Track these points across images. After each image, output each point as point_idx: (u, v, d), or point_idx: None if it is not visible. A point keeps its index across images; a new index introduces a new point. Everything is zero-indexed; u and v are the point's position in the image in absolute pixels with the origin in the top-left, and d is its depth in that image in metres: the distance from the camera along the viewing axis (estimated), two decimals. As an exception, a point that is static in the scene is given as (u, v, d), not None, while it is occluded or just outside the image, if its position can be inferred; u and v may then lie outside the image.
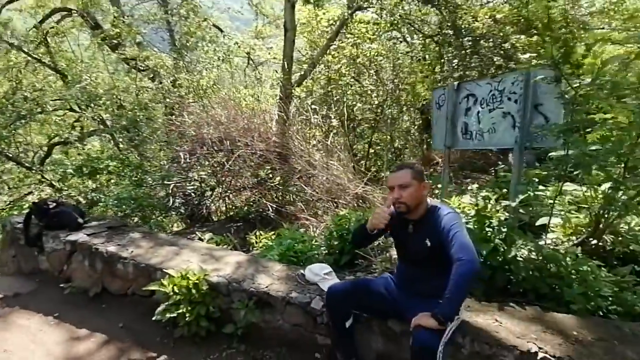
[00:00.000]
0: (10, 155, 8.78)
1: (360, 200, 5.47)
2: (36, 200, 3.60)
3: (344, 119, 7.53)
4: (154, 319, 2.54)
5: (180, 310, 2.50)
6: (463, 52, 5.95)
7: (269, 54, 8.26)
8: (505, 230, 2.59)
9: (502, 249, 2.47)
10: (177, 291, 2.57)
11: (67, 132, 8.80)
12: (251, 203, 5.28)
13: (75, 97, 6.79)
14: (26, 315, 2.93)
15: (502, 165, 5.97)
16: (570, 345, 1.85)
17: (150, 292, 2.73)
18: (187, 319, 2.50)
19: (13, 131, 9.02)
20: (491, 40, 6.53)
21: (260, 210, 5.15)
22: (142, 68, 7.63)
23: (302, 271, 2.77)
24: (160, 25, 7.80)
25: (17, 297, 3.22)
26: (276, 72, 7.14)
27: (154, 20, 7.34)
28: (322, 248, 3.54)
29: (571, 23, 6.29)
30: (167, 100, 6.33)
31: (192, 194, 5.15)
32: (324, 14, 8.07)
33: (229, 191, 5.39)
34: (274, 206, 4.99)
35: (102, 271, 3.05)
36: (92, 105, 6.84)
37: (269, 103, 6.60)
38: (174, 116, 5.65)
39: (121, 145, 6.97)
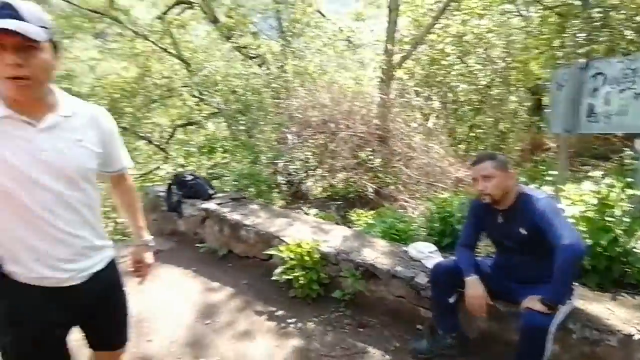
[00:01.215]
0: (142, 135, 10.30)
1: (461, 184, 5.36)
2: (177, 173, 4.28)
3: (445, 101, 7.30)
4: (272, 279, 2.92)
5: (295, 274, 2.83)
6: (592, 24, 5.29)
7: (371, 36, 8.30)
8: (628, 220, 2.40)
9: (622, 240, 2.31)
10: (292, 257, 2.90)
11: (189, 114, 10.00)
12: (351, 183, 5.51)
13: (198, 84, 7.69)
14: (168, 268, 3.54)
15: (630, 152, 5.28)
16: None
17: (269, 256, 3.14)
18: (300, 282, 2.82)
19: (145, 113, 10.55)
20: (623, 12, 5.68)
21: (359, 190, 5.35)
22: (252, 55, 8.28)
23: (405, 248, 2.91)
24: (269, 14, 8.35)
25: (159, 254, 3.91)
26: (377, 54, 7.19)
27: (266, 10, 7.88)
28: (422, 229, 3.64)
29: None
30: (275, 85, 6.82)
31: (296, 173, 5.56)
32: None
33: (330, 171, 5.69)
34: (373, 187, 5.15)
35: (228, 235, 3.56)
36: (210, 91, 7.68)
37: (370, 85, 6.70)
38: (281, 100, 6.09)
39: (234, 128, 7.73)
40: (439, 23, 7.18)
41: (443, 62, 7.48)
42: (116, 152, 1.45)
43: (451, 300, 2.18)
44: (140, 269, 1.63)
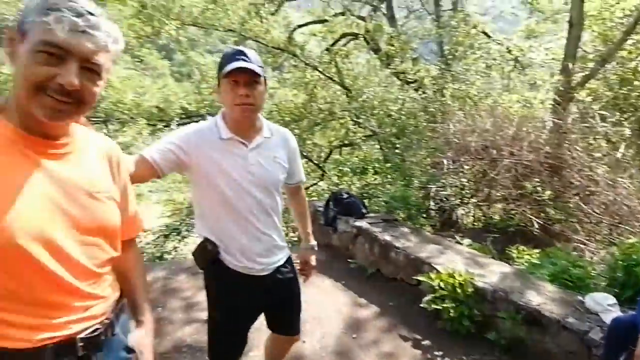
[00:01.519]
0: (305, 154, 11.44)
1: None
2: (334, 191, 4.64)
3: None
4: (420, 305, 2.88)
5: (445, 305, 2.73)
6: None
7: (546, 54, 7.48)
8: None
9: None
10: (442, 287, 2.81)
11: (346, 136, 10.69)
12: (511, 215, 5.00)
13: (357, 108, 8.19)
14: (321, 278, 3.82)
15: None
16: None
17: (417, 281, 3.10)
18: (450, 314, 2.70)
19: (309, 135, 11.74)
20: None
21: (522, 224, 4.81)
22: (409, 80, 8.42)
23: (581, 297, 2.51)
24: (430, 38, 8.40)
25: (317, 262, 4.25)
26: (552, 74, 6.42)
27: (428, 35, 7.97)
28: (601, 278, 3.09)
29: None
30: (431, 109, 6.76)
31: (448, 199, 5.34)
32: (617, 2, 6.64)
33: (486, 200, 5.29)
34: (540, 222, 4.56)
35: (378, 255, 3.66)
36: (367, 115, 8.08)
37: (542, 109, 6.01)
38: (437, 124, 5.99)
39: (387, 150, 7.93)
40: (631, 38, 6.02)
41: (636, 83, 6.19)
42: (297, 167, 1.77)
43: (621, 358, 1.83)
44: (305, 269, 1.91)
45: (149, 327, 1.09)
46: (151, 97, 9.24)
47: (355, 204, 4.15)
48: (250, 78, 1.40)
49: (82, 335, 0.88)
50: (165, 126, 7.70)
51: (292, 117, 10.03)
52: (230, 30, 8.91)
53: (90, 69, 0.81)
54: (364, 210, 4.14)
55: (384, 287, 3.51)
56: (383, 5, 10.02)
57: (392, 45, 8.07)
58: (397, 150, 6.63)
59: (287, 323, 1.78)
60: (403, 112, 7.41)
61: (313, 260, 1.91)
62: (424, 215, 5.23)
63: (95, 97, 0.84)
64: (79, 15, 0.77)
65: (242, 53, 1.42)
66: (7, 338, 0.78)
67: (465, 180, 5.02)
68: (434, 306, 2.79)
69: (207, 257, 1.52)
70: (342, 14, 10.55)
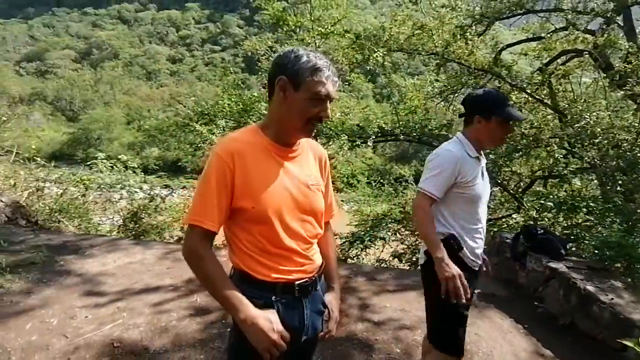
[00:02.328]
0: (499, 181, 10.48)
1: None
2: (527, 224, 4.21)
3: None
4: (625, 376, 2.37)
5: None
6: None
7: None
8: None
9: None
10: (661, 361, 2.24)
11: (553, 167, 9.32)
12: None
13: (571, 135, 7.09)
14: (499, 314, 3.52)
15: None
16: None
17: (623, 346, 2.54)
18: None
19: (508, 162, 10.72)
20: None
21: None
22: (652, 104, 6.74)
23: None
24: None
25: (493, 298, 3.93)
26: None
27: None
28: None
29: None
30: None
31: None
32: None
33: None
34: None
35: (575, 305, 3.16)
36: (586, 144, 6.86)
37: None
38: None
39: (608, 187, 6.56)
40: None
41: None
42: None
43: None
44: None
45: (338, 292, 1.46)
46: (354, 116, 10.27)
47: (551, 241, 3.67)
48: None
49: (298, 282, 1.28)
50: (362, 142, 8.45)
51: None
52: (433, 53, 9.09)
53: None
54: (562, 252, 3.62)
55: (578, 345, 3.01)
56: (620, 18, 8.37)
57: (630, 63, 6.64)
58: (619, 188, 5.43)
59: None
60: (638, 144, 5.99)
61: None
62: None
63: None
64: (336, 75, 1.21)
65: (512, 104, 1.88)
66: (255, 271, 1.25)
67: None
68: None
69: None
70: (565, 28, 9.31)
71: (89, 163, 7.53)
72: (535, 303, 3.53)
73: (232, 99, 8.53)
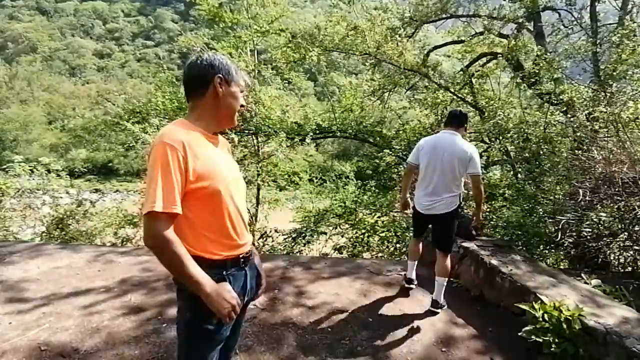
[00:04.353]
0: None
1: None
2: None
3: None
4: (519, 334, 2.77)
5: (546, 338, 2.58)
6: None
7: None
8: None
9: None
10: (546, 319, 2.66)
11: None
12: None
13: (487, 130, 7.83)
14: (421, 292, 3.89)
15: None
16: None
17: (522, 311, 2.96)
18: (552, 349, 2.54)
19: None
20: None
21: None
22: (555, 102, 7.65)
23: None
24: (583, 57, 7.51)
25: (418, 277, 4.29)
26: None
27: (578, 54, 7.17)
28: None
29: None
30: (577, 134, 6.06)
31: (587, 236, 4.75)
32: None
33: (637, 242, 4.53)
34: None
35: (482, 278, 3.58)
36: (500, 137, 7.63)
37: None
38: (580, 151, 5.38)
39: (519, 176, 7.35)
40: None
41: None
42: None
43: None
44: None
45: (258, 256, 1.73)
46: (293, 114, 10.42)
47: (466, 225, 4.10)
48: None
49: (242, 255, 1.52)
50: (301, 140, 8.63)
51: (419, 138, 10.04)
52: (367, 54, 9.50)
53: None
54: (474, 233, 4.06)
55: (485, 312, 3.43)
56: (530, 24, 9.35)
57: (538, 65, 7.48)
58: (528, 176, 6.13)
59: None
60: (541, 136, 6.77)
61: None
62: (550, 247, 4.78)
63: None
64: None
65: None
66: (208, 252, 1.41)
67: (604, 215, 4.42)
68: (534, 337, 2.66)
69: None
70: (482, 33, 10.20)
71: (4, 167, 6.91)
72: (451, 279, 3.93)
73: (167, 97, 8.30)
